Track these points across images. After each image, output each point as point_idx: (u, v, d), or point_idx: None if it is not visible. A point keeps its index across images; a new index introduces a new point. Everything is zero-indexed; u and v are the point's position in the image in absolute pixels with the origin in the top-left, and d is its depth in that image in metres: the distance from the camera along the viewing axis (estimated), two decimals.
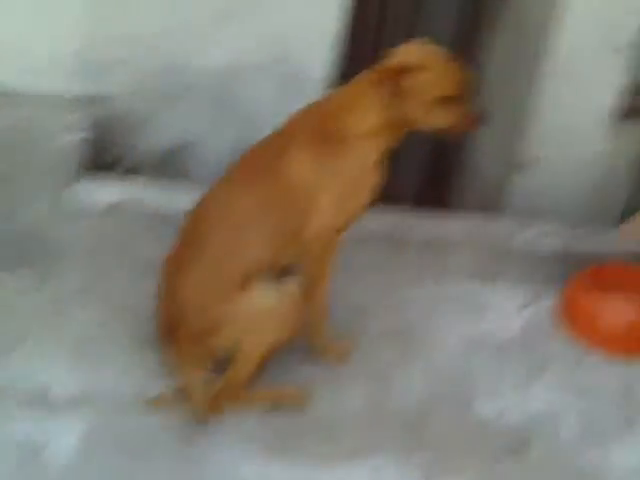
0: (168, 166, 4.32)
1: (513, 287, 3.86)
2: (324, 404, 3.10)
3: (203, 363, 2.94)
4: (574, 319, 3.68)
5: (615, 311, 3.61)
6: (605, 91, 4.34)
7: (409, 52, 2.93)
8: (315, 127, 2.90)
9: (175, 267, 2.93)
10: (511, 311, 3.76)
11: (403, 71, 2.85)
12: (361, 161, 2.93)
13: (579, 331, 3.64)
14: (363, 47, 4.44)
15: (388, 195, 3.31)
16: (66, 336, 3.19)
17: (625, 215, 4.44)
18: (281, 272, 2.95)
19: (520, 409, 3.27)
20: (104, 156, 4.26)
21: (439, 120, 2.94)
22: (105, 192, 3.79)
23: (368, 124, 2.90)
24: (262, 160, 2.94)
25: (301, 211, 2.90)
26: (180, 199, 3.57)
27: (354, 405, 3.14)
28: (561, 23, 4.15)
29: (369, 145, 2.93)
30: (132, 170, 4.30)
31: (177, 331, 2.91)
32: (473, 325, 3.64)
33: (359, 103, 2.91)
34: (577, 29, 4.14)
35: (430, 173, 4.84)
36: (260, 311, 2.85)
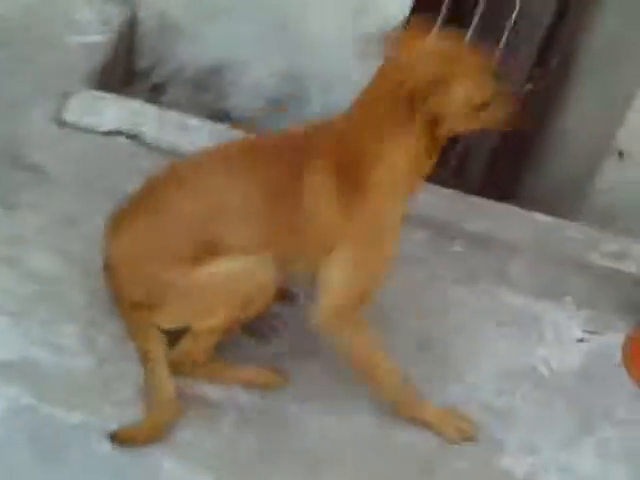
0: (201, 88, 3.72)
1: (578, 310, 3.18)
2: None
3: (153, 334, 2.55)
4: None
5: None
6: None
7: (427, 56, 2.36)
8: (337, 161, 2.45)
9: (116, 227, 2.57)
10: (570, 340, 3.08)
11: (431, 90, 2.32)
12: (387, 215, 2.49)
13: None
14: None
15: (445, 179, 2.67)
16: (12, 285, 2.64)
17: None
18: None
19: (560, 472, 2.65)
20: (130, 65, 3.68)
21: (485, 123, 2.49)
22: (110, 112, 3.19)
23: (398, 170, 2.44)
24: (275, 157, 2.52)
25: (314, 236, 2.49)
26: (193, 137, 2.99)
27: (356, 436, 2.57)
28: None
29: (397, 193, 2.48)
30: (159, 88, 3.72)
31: (119, 299, 2.59)
32: (520, 350, 2.99)
33: (384, 144, 2.41)
34: None
35: (498, 157, 4.11)
36: (219, 284, 2.46)
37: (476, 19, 3.99)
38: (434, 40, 2.45)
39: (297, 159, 2.47)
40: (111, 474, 2.33)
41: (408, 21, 3.45)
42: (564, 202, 3.99)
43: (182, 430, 2.46)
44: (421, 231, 3.16)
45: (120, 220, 2.55)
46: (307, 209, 2.45)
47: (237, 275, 2.44)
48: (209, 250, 2.44)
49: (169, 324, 2.53)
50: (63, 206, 2.96)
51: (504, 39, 4.08)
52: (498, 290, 3.16)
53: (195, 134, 3.20)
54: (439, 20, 3.78)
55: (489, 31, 4.32)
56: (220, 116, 3.74)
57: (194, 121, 3.25)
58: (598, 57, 4.07)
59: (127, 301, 2.54)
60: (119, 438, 2.38)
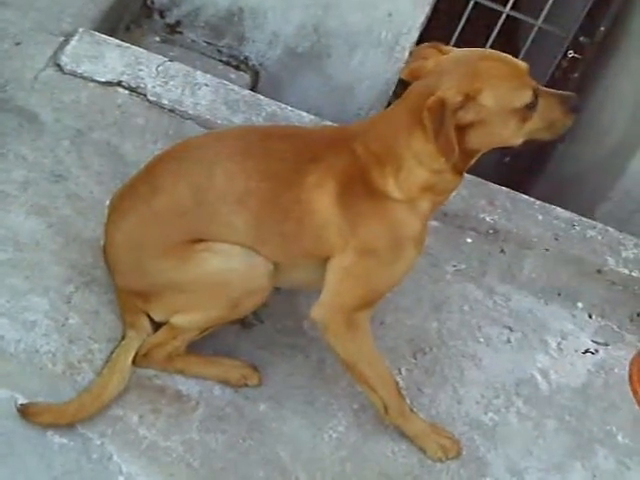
0: (218, 32, 3.49)
1: (588, 319, 3.00)
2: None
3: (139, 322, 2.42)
4: None
5: None
6: None
7: (453, 73, 2.17)
8: (349, 166, 2.26)
9: (116, 210, 2.40)
10: (575, 351, 2.91)
11: (460, 105, 2.12)
12: (401, 230, 2.28)
13: None
14: None
15: None
16: None
17: None
18: None
19: None
20: (146, 2, 3.47)
21: (522, 133, 2.27)
22: (111, 60, 2.98)
23: (416, 185, 2.25)
24: (282, 152, 2.31)
25: (311, 238, 2.29)
26: (198, 96, 2.78)
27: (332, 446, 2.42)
28: None
29: (415, 208, 2.28)
30: (174, 28, 3.49)
31: (115, 279, 2.45)
32: (520, 359, 2.82)
33: (402, 157, 2.23)
34: None
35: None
36: (205, 281, 2.29)
37: None
38: (460, 51, 2.27)
39: (305, 157, 2.28)
40: (62, 468, 2.20)
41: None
42: (592, 188, 3.77)
43: (149, 426, 2.32)
44: (434, 219, 2.95)
45: (119, 202, 2.39)
46: (306, 209, 2.26)
47: (230, 276, 2.28)
48: (204, 241, 2.27)
49: (160, 316, 2.38)
50: (51, 159, 2.78)
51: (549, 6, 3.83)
52: (506, 289, 2.99)
53: (200, 92, 2.99)
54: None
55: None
56: (237, 63, 3.52)
57: (200, 77, 3.03)
58: None
59: (122, 286, 2.40)
60: (28, 412, 2.23)
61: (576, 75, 4.00)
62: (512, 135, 2.24)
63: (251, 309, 2.39)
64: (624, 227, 3.35)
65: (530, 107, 2.21)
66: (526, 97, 2.20)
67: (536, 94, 2.22)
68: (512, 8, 3.99)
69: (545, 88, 2.29)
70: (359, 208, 2.25)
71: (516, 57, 3.91)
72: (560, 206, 3.22)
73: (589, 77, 4.02)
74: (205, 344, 2.44)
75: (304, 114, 3.05)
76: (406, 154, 2.22)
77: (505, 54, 2.27)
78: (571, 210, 3.26)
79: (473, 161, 2.29)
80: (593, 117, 3.91)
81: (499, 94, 2.17)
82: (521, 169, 4.16)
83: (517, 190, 3.48)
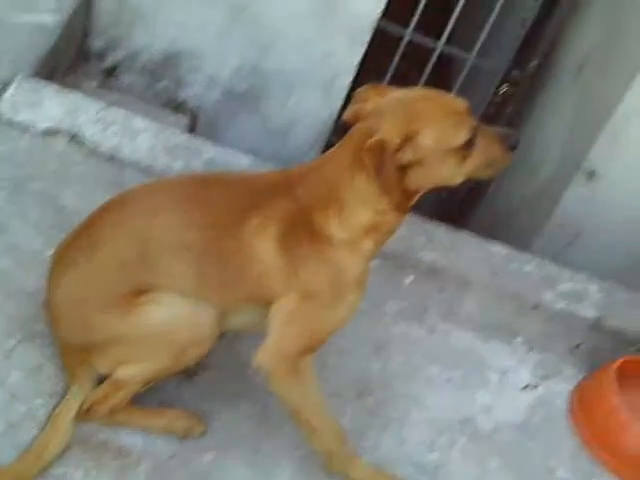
0: (156, 76, 3.49)
1: (528, 353, 3.05)
2: None
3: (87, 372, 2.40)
4: (590, 427, 2.86)
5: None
6: None
7: (392, 114, 2.21)
8: (290, 210, 2.28)
9: (58, 262, 2.40)
10: (516, 387, 2.95)
11: (399, 146, 2.16)
12: (344, 273, 2.30)
13: (594, 445, 2.83)
14: None
15: None
16: None
17: None
18: None
19: None
20: (83, 46, 3.46)
21: (462, 172, 2.30)
22: (49, 107, 2.97)
23: (359, 225, 2.28)
24: (223, 200, 2.34)
25: (255, 283, 2.31)
26: (138, 142, 2.78)
27: None
28: None
29: (358, 250, 2.31)
30: (112, 72, 3.48)
31: (57, 333, 2.43)
32: (462, 397, 2.86)
33: (344, 199, 2.26)
34: None
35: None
36: (149, 332, 2.29)
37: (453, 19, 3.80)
38: (399, 92, 2.30)
39: (245, 204, 2.30)
40: None
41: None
42: (527, 221, 3.84)
43: None
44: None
45: (61, 256, 2.38)
46: (248, 255, 2.27)
47: (175, 326, 2.29)
48: (147, 292, 2.27)
49: (104, 369, 2.37)
50: None
51: (482, 39, 3.90)
52: (447, 327, 3.03)
53: (139, 138, 2.99)
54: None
55: (466, 35, 4.13)
56: (175, 106, 3.53)
57: (139, 122, 3.03)
58: (579, 64, 3.87)
59: (65, 340, 2.38)
60: None
61: (509, 110, 4.09)
62: (452, 174, 2.28)
63: (197, 358, 2.38)
64: (559, 260, 3.42)
65: (469, 146, 2.25)
66: (464, 136, 2.23)
67: (475, 133, 2.26)
68: (446, 43, 4.05)
69: (484, 126, 2.32)
70: (302, 252, 2.27)
71: (450, 92, 4.03)
72: (498, 240, 3.28)
73: (522, 112, 4.11)
74: (148, 395, 2.44)
75: (243, 157, 3.07)
76: (349, 196, 2.25)
77: (444, 93, 2.31)
78: (508, 244, 3.32)
79: (415, 200, 2.32)
80: (526, 151, 3.98)
81: (437, 134, 2.21)
82: (458, 204, 4.22)
83: (456, 226, 3.54)
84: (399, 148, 2.16)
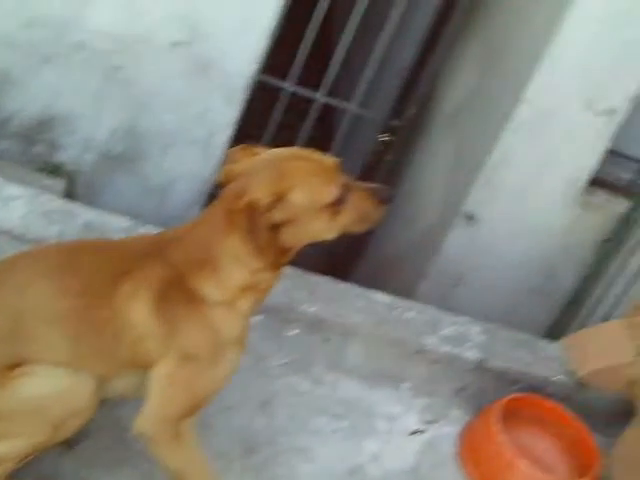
0: (30, 140, 3.46)
1: (414, 399, 3.08)
2: None
3: None
4: (478, 468, 2.90)
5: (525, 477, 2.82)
6: (574, 157, 3.62)
7: (263, 174, 2.23)
8: (164, 274, 2.26)
9: None
10: (404, 433, 2.98)
11: (269, 206, 2.17)
12: (221, 333, 2.29)
13: None
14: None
15: None
16: None
17: (562, 321, 3.67)
18: None
19: None
20: None
21: (335, 227, 2.33)
22: None
23: (235, 285, 2.28)
24: (95, 266, 2.30)
25: (132, 349, 2.27)
26: (9, 210, 2.73)
27: None
28: (538, 77, 3.38)
29: (235, 309, 2.30)
30: None
31: None
32: (350, 447, 2.86)
33: (218, 260, 2.26)
34: (556, 86, 3.42)
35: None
36: (24, 407, 2.22)
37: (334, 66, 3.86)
38: (269, 152, 2.32)
39: (119, 269, 2.27)
40: None
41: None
42: (411, 266, 3.90)
43: None
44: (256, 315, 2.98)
45: None
46: (122, 321, 2.25)
47: (51, 399, 2.23)
48: (19, 364, 2.21)
49: None
50: None
51: (362, 89, 3.96)
52: (333, 377, 3.04)
53: (13, 205, 2.94)
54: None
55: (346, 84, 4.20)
56: (51, 169, 3.49)
57: (13, 189, 2.98)
58: (455, 111, 3.98)
59: None
60: None
61: (390, 158, 4.16)
62: (325, 230, 2.30)
63: (76, 429, 2.32)
64: (443, 303, 3.48)
65: (340, 202, 2.28)
66: (334, 193, 2.26)
67: (345, 189, 2.29)
68: (329, 94, 4.11)
69: (355, 182, 2.36)
70: (177, 315, 2.25)
71: (332, 141, 4.09)
72: (383, 286, 3.32)
73: (403, 159, 4.19)
74: (27, 468, 2.37)
75: (122, 219, 3.04)
76: (223, 256, 2.25)
77: (313, 152, 2.33)
78: (394, 288, 3.36)
79: (290, 257, 2.33)
80: (408, 198, 4.07)
81: (308, 192, 2.23)
82: (343, 252, 4.27)
83: (341, 275, 3.57)
84: (270, 207, 2.18)
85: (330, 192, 2.26)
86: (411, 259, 3.95)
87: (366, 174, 4.22)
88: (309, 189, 2.24)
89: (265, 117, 4.12)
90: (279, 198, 2.19)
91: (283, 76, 4.01)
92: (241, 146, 2.38)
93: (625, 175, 3.76)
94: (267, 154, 2.32)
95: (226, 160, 2.37)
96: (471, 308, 3.60)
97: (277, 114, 4.07)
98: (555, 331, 3.74)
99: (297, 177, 2.24)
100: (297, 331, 3.05)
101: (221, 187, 2.31)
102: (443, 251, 3.72)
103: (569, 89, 3.46)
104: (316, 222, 2.27)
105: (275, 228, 2.21)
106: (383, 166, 4.16)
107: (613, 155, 3.68)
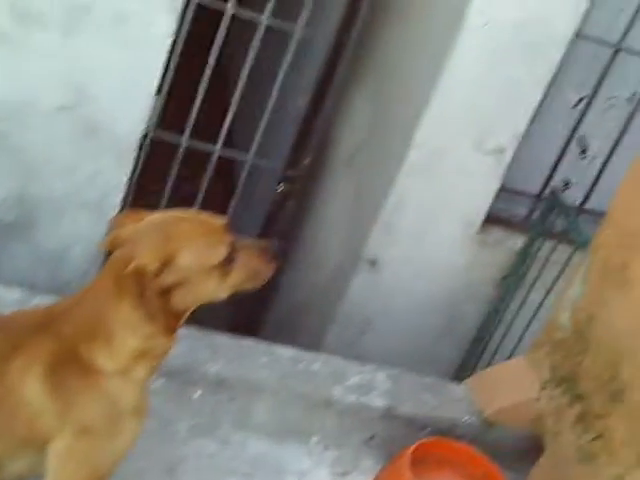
0: None
1: (324, 452, 3.06)
2: None
3: None
4: None
5: None
6: (469, 196, 3.69)
7: (149, 238, 2.21)
8: (55, 347, 2.20)
9: None
10: None
11: (158, 270, 2.15)
12: (118, 404, 2.24)
13: None
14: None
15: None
16: None
17: (469, 360, 3.70)
18: None
19: None
20: None
21: (226, 287, 2.31)
22: None
23: (129, 353, 2.23)
24: None
25: (26, 426, 2.20)
26: None
27: None
28: (427, 119, 3.41)
29: (131, 378, 2.26)
30: None
31: None
32: None
33: (110, 329, 2.21)
34: (445, 127, 3.46)
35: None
36: None
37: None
38: (155, 215, 2.29)
39: (8, 346, 2.21)
40: None
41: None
42: (319, 313, 3.90)
43: None
44: (156, 379, 2.93)
45: None
46: (15, 399, 2.18)
47: None
48: None
49: None
50: None
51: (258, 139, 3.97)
52: (240, 437, 3.00)
53: None
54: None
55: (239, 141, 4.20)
56: None
57: None
58: (351, 156, 4.01)
59: None
60: None
61: (290, 206, 4.16)
62: (215, 291, 2.28)
63: None
64: (352, 349, 3.48)
65: (229, 261, 2.26)
66: (222, 253, 2.24)
67: (234, 248, 2.27)
68: (227, 145, 4.10)
69: (244, 240, 2.35)
70: (72, 388, 2.20)
71: (233, 193, 4.07)
72: (293, 333, 3.31)
73: (304, 206, 4.20)
74: None
75: (14, 291, 2.98)
76: (115, 325, 2.20)
77: (200, 213, 2.32)
78: (303, 336, 3.35)
79: (184, 319, 2.30)
80: (312, 244, 4.07)
81: (195, 254, 2.21)
82: (251, 302, 4.24)
83: (251, 325, 3.55)
84: (159, 272, 2.16)
85: (218, 252, 2.25)
86: (318, 305, 3.95)
87: (269, 224, 4.22)
88: (196, 251, 2.22)
89: (164, 172, 4.09)
90: (167, 262, 2.17)
91: (181, 130, 3.99)
92: (127, 211, 2.36)
93: (520, 211, 3.83)
94: (153, 218, 2.30)
95: (111, 227, 2.34)
96: (380, 353, 3.62)
97: (175, 169, 4.05)
98: (463, 371, 3.77)
99: (184, 239, 2.22)
100: (201, 392, 3.00)
101: (108, 254, 2.28)
102: (348, 297, 3.73)
103: (458, 130, 3.52)
104: (206, 283, 2.25)
105: (165, 292, 2.18)
106: (285, 215, 4.16)
107: (506, 192, 3.75)
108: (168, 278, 2.17)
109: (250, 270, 2.34)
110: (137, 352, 2.23)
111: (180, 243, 2.21)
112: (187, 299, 2.24)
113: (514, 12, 3.39)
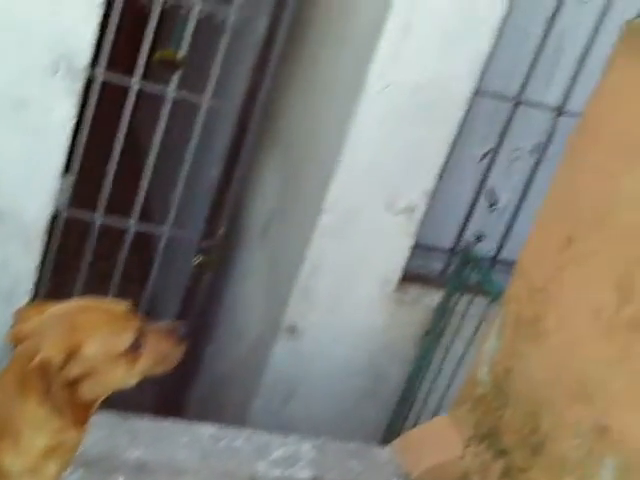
0: None
1: None
2: None
3: None
4: None
5: None
6: (383, 256, 3.72)
7: (53, 331, 2.16)
8: None
9: None
10: None
11: (63, 363, 2.10)
12: None
13: None
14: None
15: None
16: None
17: (396, 421, 3.70)
18: None
19: None
20: None
21: (135, 373, 2.27)
22: None
23: (37, 451, 2.17)
24: None
25: None
26: None
27: None
28: (336, 184, 3.45)
29: (42, 476, 2.20)
30: None
31: None
32: None
33: (17, 427, 2.15)
34: (355, 190, 3.51)
35: None
36: None
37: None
38: (57, 306, 2.25)
39: None
40: None
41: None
42: (243, 384, 3.87)
43: None
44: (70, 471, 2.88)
45: None
46: None
47: None
48: None
49: None
50: None
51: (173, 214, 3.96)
52: None
53: None
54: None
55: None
56: None
57: None
58: (265, 224, 4.01)
59: None
60: None
61: (208, 277, 4.15)
62: (124, 378, 2.24)
63: None
64: (277, 419, 3.45)
65: (136, 347, 2.23)
66: (128, 339, 2.20)
67: (140, 333, 2.24)
68: (143, 219, 4.08)
69: (151, 325, 2.32)
70: None
71: (151, 267, 4.04)
72: (219, 406, 3.26)
73: (221, 278, 4.19)
74: None
75: None
76: (21, 422, 2.15)
77: (103, 300, 2.29)
78: (228, 409, 3.31)
79: (94, 409, 2.26)
80: (231, 316, 4.05)
81: (101, 342, 2.17)
82: (175, 380, 4.20)
83: (176, 402, 3.49)
84: (64, 364, 2.11)
85: (124, 339, 2.21)
86: (241, 378, 3.92)
87: (188, 297, 4.19)
88: (102, 340, 2.18)
89: (80, 251, 4.06)
90: (72, 353, 2.13)
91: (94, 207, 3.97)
92: (29, 304, 2.33)
93: (435, 267, 3.86)
94: (56, 309, 2.26)
95: (15, 320, 2.30)
96: (306, 420, 3.60)
97: (90, 247, 4.02)
98: (391, 433, 3.76)
99: (88, 329, 2.18)
100: (122, 479, 2.94)
101: (13, 349, 2.24)
102: (270, 366, 3.71)
103: (368, 192, 3.55)
104: (114, 371, 2.21)
105: (73, 384, 2.14)
106: (204, 287, 4.14)
107: (421, 249, 3.78)
108: (74, 370, 2.14)
109: (159, 354, 2.31)
110: (47, 449, 2.18)
111: (85, 333, 2.17)
112: (96, 389, 2.20)
113: (413, 75, 3.45)
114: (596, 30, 3.65)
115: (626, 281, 2.72)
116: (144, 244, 4.85)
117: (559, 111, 3.78)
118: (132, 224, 4.08)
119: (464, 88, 3.52)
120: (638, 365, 2.67)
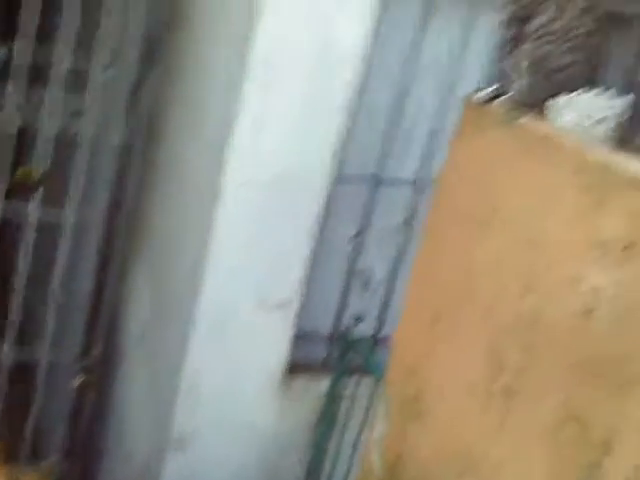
0: None
1: None
2: None
3: None
4: None
5: None
6: (265, 352, 3.69)
7: None
8: None
9: None
10: None
11: None
12: None
13: None
14: None
15: None
16: None
17: None
18: None
19: None
20: None
21: None
22: None
23: None
24: None
25: None
26: None
27: None
28: (207, 287, 3.44)
29: None
30: None
31: None
32: None
33: None
34: (227, 299, 3.48)
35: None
36: None
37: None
38: None
39: None
40: None
41: None
42: None
43: None
44: None
45: None
46: None
47: None
48: None
49: None
50: None
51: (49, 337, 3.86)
52: None
53: None
54: None
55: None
56: None
57: None
58: (141, 335, 3.95)
59: None
60: None
61: (92, 397, 4.04)
62: None
63: None
64: None
65: None
66: None
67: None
68: (18, 345, 3.96)
69: (24, 469, 2.24)
70: None
71: (35, 393, 3.87)
72: None
73: (104, 396, 4.08)
74: None
75: None
76: None
77: None
78: None
79: None
80: (118, 434, 3.95)
81: None
82: None
83: None
84: None
85: None
86: None
87: (74, 419, 4.07)
88: None
89: None
90: None
91: None
92: None
93: (319, 354, 3.84)
94: None
95: None
96: None
97: None
98: None
99: None
100: None
101: None
102: None
103: (238, 292, 3.53)
104: None
105: None
106: (88, 407, 4.03)
107: (302, 339, 3.76)
108: None
109: None
110: None
111: None
112: None
113: (270, 168, 3.47)
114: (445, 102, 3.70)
115: (495, 352, 2.74)
116: (24, 371, 4.71)
117: (419, 185, 3.83)
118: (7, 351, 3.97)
119: (322, 177, 3.54)
120: (516, 433, 2.67)
